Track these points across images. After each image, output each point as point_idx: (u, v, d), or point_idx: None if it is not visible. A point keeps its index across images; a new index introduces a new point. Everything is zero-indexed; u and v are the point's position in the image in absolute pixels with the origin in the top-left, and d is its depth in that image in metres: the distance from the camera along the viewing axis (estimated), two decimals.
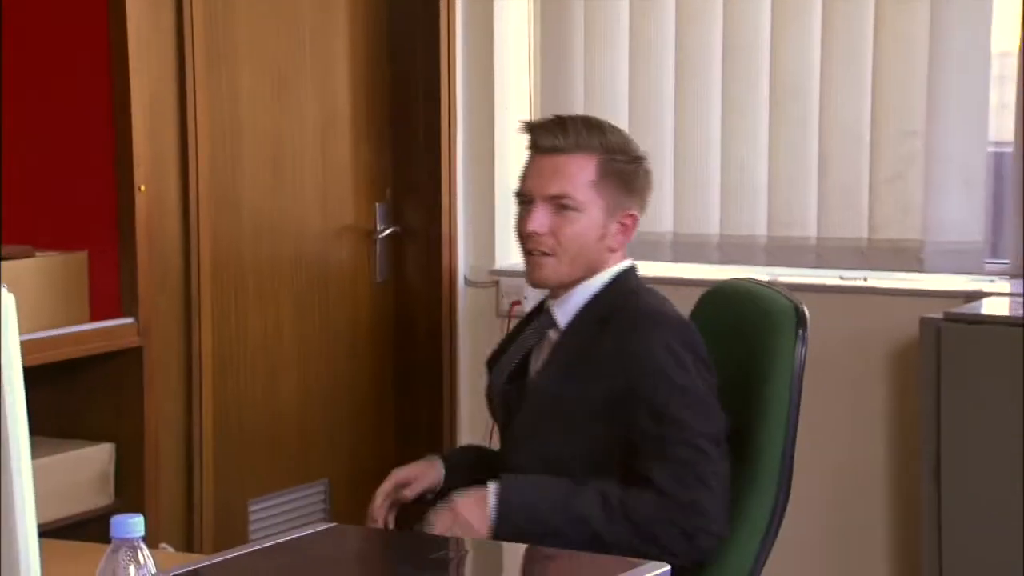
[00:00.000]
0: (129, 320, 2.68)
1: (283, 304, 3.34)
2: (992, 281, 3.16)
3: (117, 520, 1.33)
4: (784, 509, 2.11)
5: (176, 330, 2.96)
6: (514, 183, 3.68)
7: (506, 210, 3.71)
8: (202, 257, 2.99)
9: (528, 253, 2.19)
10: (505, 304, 3.63)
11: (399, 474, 2.25)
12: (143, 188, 2.67)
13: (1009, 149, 3.17)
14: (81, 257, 2.66)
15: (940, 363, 2.78)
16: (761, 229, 3.39)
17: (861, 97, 3.24)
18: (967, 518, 2.79)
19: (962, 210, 3.17)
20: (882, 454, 3.19)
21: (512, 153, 3.71)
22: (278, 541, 1.51)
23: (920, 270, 3.19)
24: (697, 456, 2.01)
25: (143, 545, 1.34)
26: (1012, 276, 3.16)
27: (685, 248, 3.49)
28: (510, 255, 3.71)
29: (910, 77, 3.19)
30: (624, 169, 2.18)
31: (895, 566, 3.14)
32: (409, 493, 2.22)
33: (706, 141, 3.42)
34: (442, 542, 1.81)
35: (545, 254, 2.16)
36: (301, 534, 1.55)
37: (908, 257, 3.24)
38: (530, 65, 3.70)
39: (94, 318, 2.65)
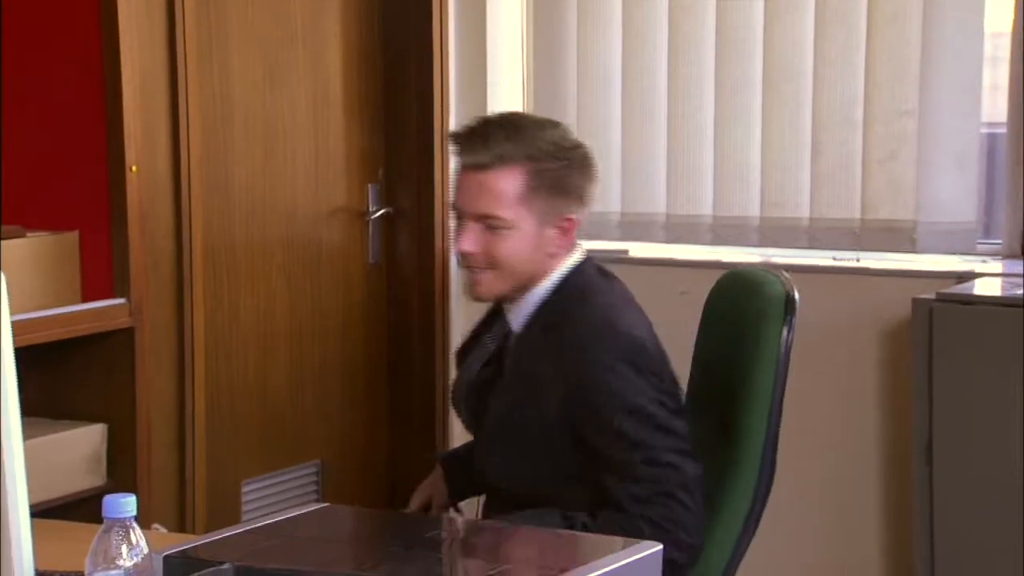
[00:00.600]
0: (121, 301, 2.68)
1: (275, 285, 3.33)
2: (984, 261, 3.16)
3: (109, 500, 1.33)
4: (766, 495, 2.09)
5: (168, 311, 2.96)
6: None
7: None
8: (194, 238, 2.99)
9: (466, 270, 2.15)
10: None
11: (419, 500, 2.28)
12: (135, 169, 2.66)
13: (1002, 130, 3.17)
14: (73, 238, 2.65)
15: (932, 343, 2.79)
16: (754, 210, 3.39)
17: (854, 78, 3.24)
18: (958, 498, 2.80)
19: (955, 190, 3.17)
20: (874, 434, 3.20)
21: None
22: (271, 521, 1.50)
23: (913, 251, 3.20)
24: (664, 472, 1.97)
25: (135, 525, 1.34)
26: (1004, 256, 3.17)
27: (678, 229, 3.49)
28: None
29: (903, 57, 3.19)
30: (555, 175, 2.10)
31: (886, 545, 3.15)
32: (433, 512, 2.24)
33: (699, 122, 3.42)
34: (435, 522, 1.81)
35: (479, 269, 2.12)
36: (294, 514, 1.55)
37: (901, 238, 3.24)
38: (523, 46, 3.69)
39: (86, 299, 2.65)
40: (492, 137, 2.10)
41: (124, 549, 1.32)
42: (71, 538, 1.63)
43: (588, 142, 3.52)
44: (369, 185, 3.58)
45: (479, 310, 3.67)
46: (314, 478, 3.45)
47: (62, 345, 2.64)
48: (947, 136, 3.16)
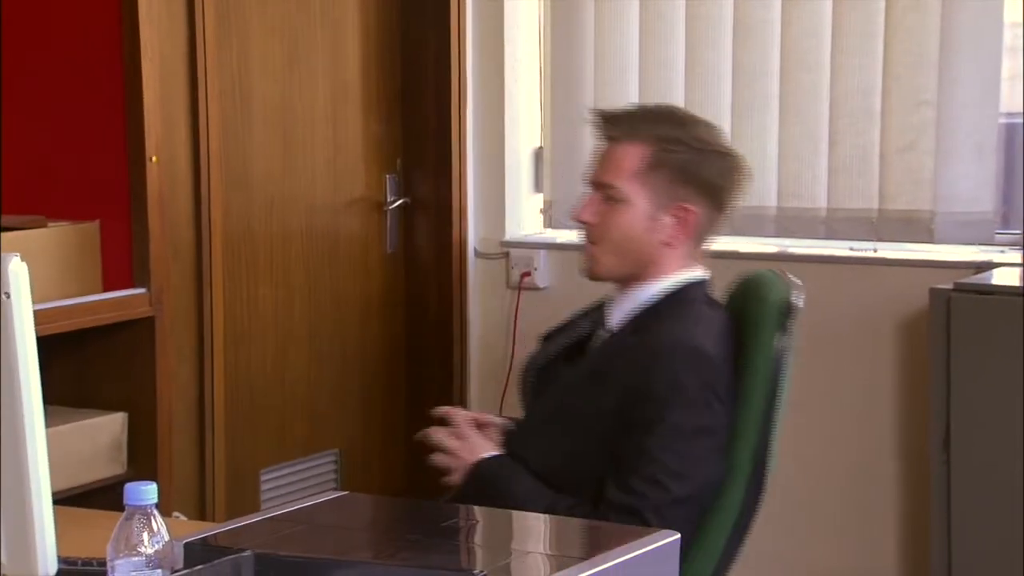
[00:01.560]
0: (141, 290, 2.69)
1: (294, 275, 3.35)
2: (1003, 252, 3.16)
3: (131, 488, 1.34)
4: (754, 507, 2.03)
5: (188, 300, 2.98)
6: (524, 154, 3.74)
7: (516, 182, 3.71)
8: (213, 227, 3.00)
9: (583, 241, 2.16)
10: (515, 275, 3.64)
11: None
12: (155, 159, 2.67)
13: (1020, 120, 3.16)
14: (93, 227, 2.67)
15: (950, 334, 2.78)
16: (771, 200, 3.39)
17: (872, 67, 3.23)
18: (976, 488, 2.80)
19: (973, 181, 3.16)
20: (891, 424, 3.20)
21: (522, 125, 3.71)
22: (290, 509, 1.52)
23: (930, 241, 3.19)
24: (655, 491, 1.95)
25: (156, 512, 1.35)
26: (1023, 246, 3.16)
27: None
28: (520, 227, 3.72)
29: (921, 47, 3.18)
30: (680, 159, 2.08)
31: (904, 536, 3.15)
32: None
33: (716, 111, 3.41)
34: (453, 511, 1.82)
35: (591, 242, 2.13)
36: (313, 502, 1.56)
37: (918, 228, 3.23)
38: (540, 36, 3.69)
39: (106, 288, 2.66)
40: (630, 114, 2.14)
41: (145, 536, 1.33)
42: (93, 525, 1.64)
43: None
44: (387, 175, 3.59)
45: (497, 299, 3.70)
46: (332, 467, 3.47)
47: (83, 334, 2.65)
48: (965, 126, 3.15)
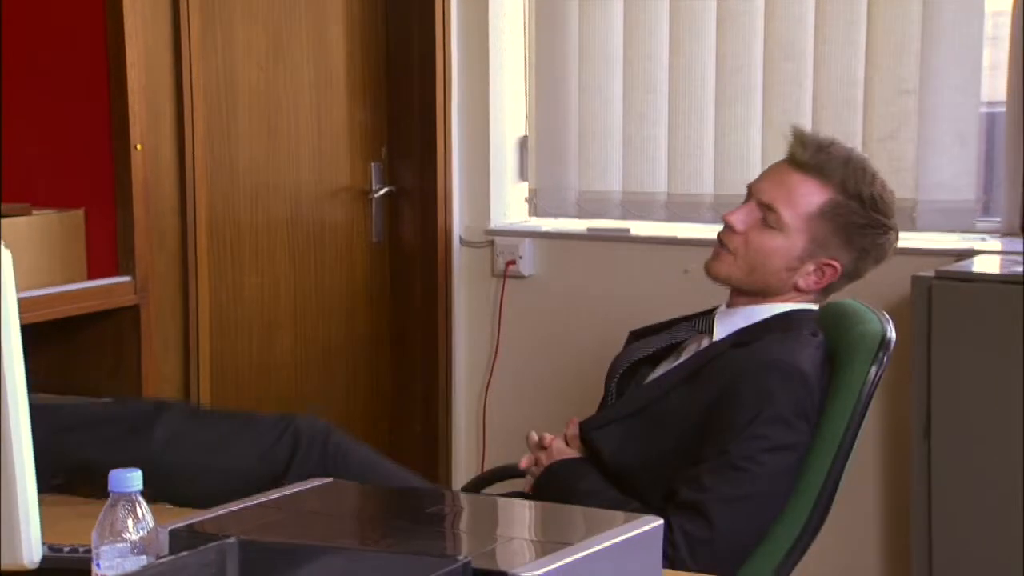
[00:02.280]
0: (126, 278, 2.69)
1: (279, 263, 3.35)
2: (984, 239, 3.17)
3: (115, 474, 1.35)
4: (813, 536, 2.02)
5: (173, 289, 2.98)
6: (509, 143, 3.74)
7: (501, 171, 3.72)
8: (199, 216, 3.00)
9: (717, 241, 2.16)
10: (500, 264, 3.65)
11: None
12: (140, 147, 2.68)
13: (1001, 109, 3.18)
14: (78, 215, 2.67)
15: (931, 321, 2.80)
16: None
17: (855, 56, 3.24)
18: (957, 474, 2.82)
19: (954, 169, 3.18)
20: (873, 410, 3.20)
21: (507, 113, 3.72)
22: (276, 496, 1.52)
23: (912, 229, 3.20)
24: (724, 486, 1.94)
25: (141, 499, 1.35)
26: (1003, 234, 3.18)
27: (679, 207, 3.50)
28: (505, 215, 3.72)
29: (904, 36, 3.19)
30: (852, 219, 2.08)
31: (884, 522, 3.17)
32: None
33: (700, 101, 3.43)
34: (438, 497, 1.83)
35: (728, 250, 2.12)
36: (298, 489, 1.57)
37: (900, 216, 3.19)
38: (525, 25, 3.69)
39: (91, 276, 2.66)
40: (829, 149, 2.09)
41: (130, 523, 1.34)
42: (78, 513, 1.65)
43: (590, 121, 3.57)
44: (372, 163, 3.59)
45: (483, 287, 3.71)
46: None
47: (68, 322, 2.65)
48: (947, 115, 3.17)
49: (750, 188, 2.15)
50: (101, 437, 2.01)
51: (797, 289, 2.11)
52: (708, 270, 2.17)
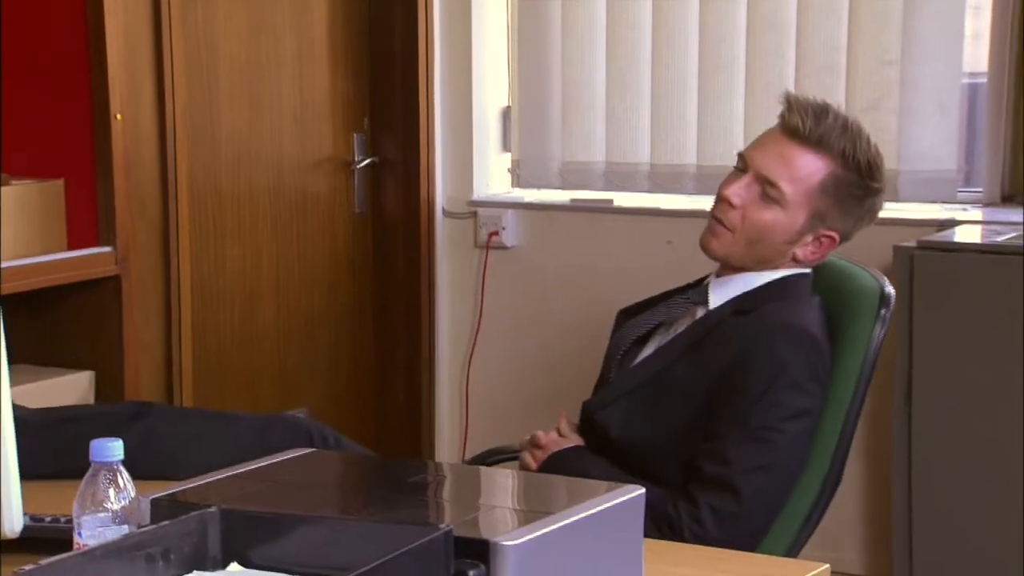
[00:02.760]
0: (107, 249, 2.68)
1: (262, 235, 3.34)
2: (965, 210, 3.18)
3: (96, 444, 1.34)
4: (829, 500, 2.02)
5: (154, 259, 2.97)
6: (492, 113, 3.73)
7: (484, 141, 3.71)
8: (180, 187, 2.99)
9: (712, 216, 2.09)
10: (483, 235, 3.64)
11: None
12: (119, 117, 2.66)
13: (983, 79, 3.18)
14: (58, 185, 2.66)
15: (913, 290, 2.81)
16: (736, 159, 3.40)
17: (837, 26, 3.23)
18: (938, 443, 2.84)
19: (936, 139, 3.18)
20: None
21: (490, 84, 3.71)
22: (257, 466, 1.52)
23: (894, 199, 3.20)
24: (751, 456, 1.93)
25: (122, 469, 1.35)
26: (984, 204, 3.19)
27: (662, 178, 3.50)
28: (488, 186, 3.72)
29: (886, 6, 3.18)
30: (851, 190, 2.04)
31: (865, 490, 3.19)
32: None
33: (683, 71, 3.42)
34: (420, 467, 1.83)
35: (725, 226, 2.07)
36: (280, 459, 1.56)
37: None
38: None
39: (71, 247, 2.66)
40: (826, 118, 2.04)
41: (111, 492, 1.33)
42: (59, 483, 1.64)
43: (573, 92, 3.56)
44: (354, 134, 3.58)
45: (465, 258, 3.70)
46: None
47: (49, 293, 2.65)
48: (929, 85, 3.17)
49: (745, 158, 2.09)
50: (84, 431, 2.00)
51: (795, 259, 2.09)
52: (706, 247, 2.11)
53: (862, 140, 2.07)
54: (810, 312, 2.05)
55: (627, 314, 2.26)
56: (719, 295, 2.11)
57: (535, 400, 3.53)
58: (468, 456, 3.64)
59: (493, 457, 2.36)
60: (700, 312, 2.13)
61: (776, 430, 1.95)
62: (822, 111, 2.06)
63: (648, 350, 2.17)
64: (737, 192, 2.05)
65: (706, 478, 1.95)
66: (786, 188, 2.03)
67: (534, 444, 2.15)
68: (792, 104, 2.07)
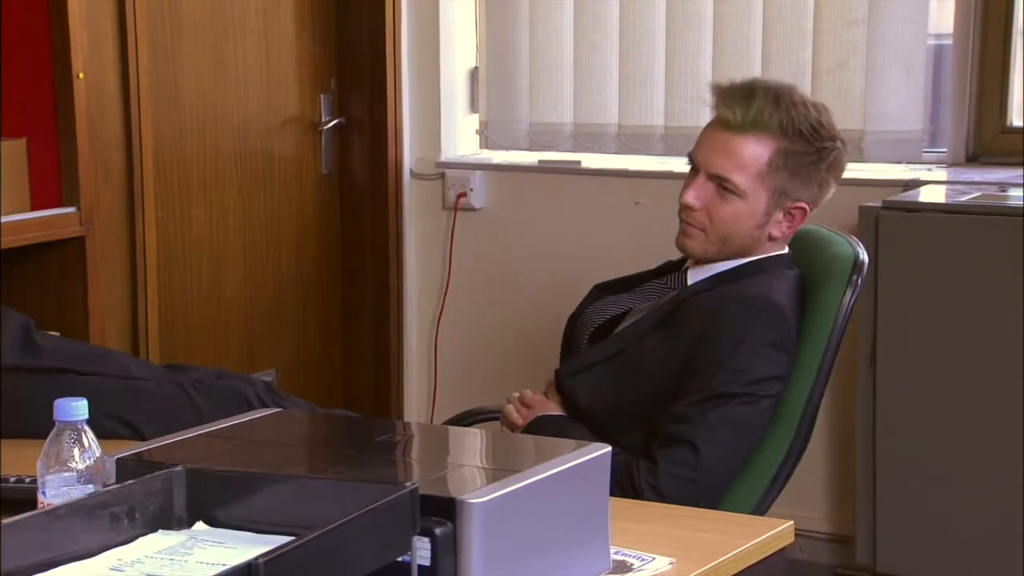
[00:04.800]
0: (71, 209, 2.66)
1: (228, 195, 3.32)
2: (930, 170, 3.20)
3: (60, 404, 1.34)
4: (796, 462, 2.03)
5: (119, 220, 2.94)
6: (460, 74, 3.71)
7: (451, 102, 3.69)
8: (144, 147, 2.97)
9: (681, 219, 2.11)
10: (451, 196, 3.63)
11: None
12: (82, 76, 2.63)
13: (948, 41, 3.19)
14: (20, 145, 2.62)
15: (878, 250, 2.82)
16: (705, 120, 3.36)
17: None
18: (902, 402, 2.86)
19: (902, 100, 3.19)
20: None
21: (458, 44, 3.69)
22: (224, 425, 1.52)
23: (860, 159, 3.22)
24: (711, 414, 1.95)
25: (87, 428, 1.35)
26: (949, 165, 3.21)
27: (630, 139, 3.50)
28: (456, 147, 3.71)
29: None
30: (802, 159, 2.04)
31: (830, 448, 3.22)
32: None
33: (650, 31, 3.41)
34: (387, 426, 1.83)
35: (696, 228, 2.08)
36: (247, 419, 1.56)
37: (849, 146, 3.24)
38: None
39: (35, 208, 2.63)
40: (754, 99, 2.03)
41: (76, 452, 1.33)
42: (22, 443, 1.64)
43: (541, 53, 3.55)
44: (321, 95, 3.56)
45: (433, 219, 3.69)
46: None
47: (12, 254, 2.62)
48: (895, 45, 3.18)
49: (693, 159, 2.10)
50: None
51: (771, 239, 2.10)
52: (683, 248, 2.13)
53: (797, 108, 2.06)
54: (780, 283, 2.07)
55: (602, 289, 2.27)
56: (699, 276, 2.13)
57: (503, 360, 3.54)
58: (438, 417, 3.64)
59: (471, 418, 2.37)
60: (675, 290, 2.15)
61: (736, 395, 1.97)
62: (748, 93, 2.05)
63: (623, 325, 2.18)
64: (695, 195, 2.08)
65: (666, 438, 1.98)
66: (738, 179, 2.04)
67: (523, 402, 2.17)
68: (719, 96, 2.08)
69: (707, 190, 2.07)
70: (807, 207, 2.09)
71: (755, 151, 2.04)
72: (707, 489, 1.96)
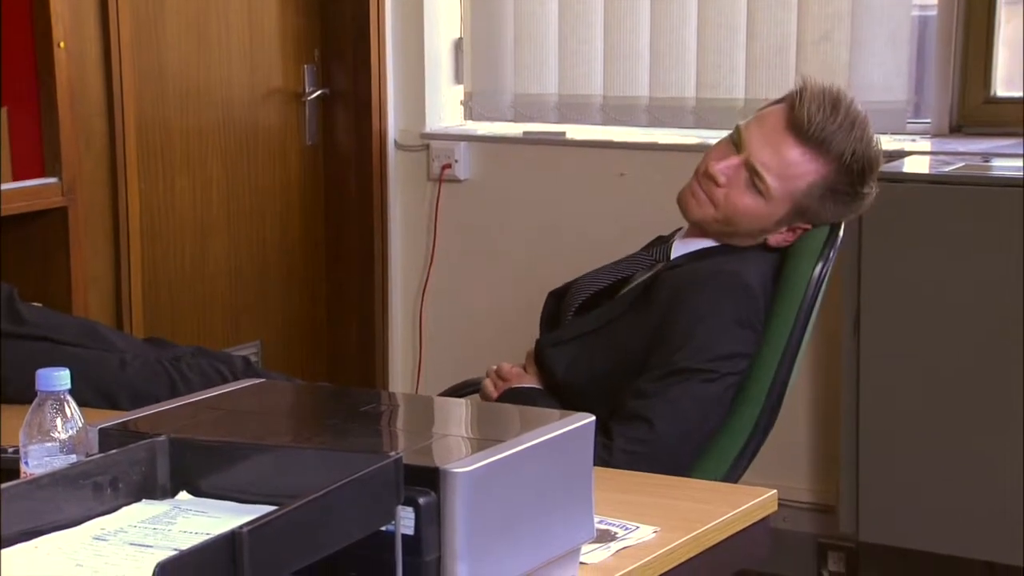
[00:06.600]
0: (53, 180, 2.65)
1: (212, 167, 3.31)
2: (914, 140, 3.20)
3: (43, 374, 1.34)
4: (761, 441, 2.03)
5: (102, 191, 2.93)
6: (444, 45, 3.70)
7: (436, 74, 3.68)
8: (127, 118, 2.95)
9: (696, 182, 2.07)
10: (436, 168, 3.63)
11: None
12: (63, 45, 2.61)
13: (933, 12, 3.19)
14: (0, 114, 2.61)
15: (862, 220, 2.82)
16: (690, 91, 3.40)
17: None
18: (885, 373, 2.88)
19: (886, 70, 3.19)
20: None
21: (442, 15, 3.67)
22: (208, 395, 1.52)
23: None
24: (670, 389, 1.96)
25: (69, 398, 1.35)
26: (933, 135, 3.21)
27: (615, 111, 3.50)
28: (440, 118, 3.70)
29: None
30: (838, 196, 2.03)
31: (814, 419, 3.23)
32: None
33: (635, 3, 3.40)
34: (373, 396, 1.83)
35: (711, 201, 2.05)
36: (231, 389, 1.56)
37: None
38: None
39: (16, 178, 2.62)
40: (836, 116, 1.99)
41: (59, 422, 1.33)
42: (6, 415, 1.64)
43: (526, 23, 3.54)
44: (305, 66, 3.54)
45: (418, 190, 3.68)
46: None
47: None
48: (880, 16, 3.17)
49: (740, 135, 2.04)
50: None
51: (767, 247, 2.09)
52: (684, 208, 2.09)
53: (863, 142, 2.04)
54: (750, 261, 2.06)
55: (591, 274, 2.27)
56: (681, 250, 2.12)
57: (488, 331, 3.54)
58: (423, 388, 3.65)
59: (467, 389, 2.37)
60: (658, 266, 2.15)
61: (698, 371, 1.97)
62: (833, 107, 2.01)
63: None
64: (725, 172, 2.04)
65: (624, 414, 1.98)
66: (773, 183, 2.02)
67: (499, 375, 2.17)
68: (804, 95, 2.01)
69: (739, 174, 2.03)
70: (811, 227, 2.09)
71: (806, 168, 2.01)
72: (660, 459, 1.95)
